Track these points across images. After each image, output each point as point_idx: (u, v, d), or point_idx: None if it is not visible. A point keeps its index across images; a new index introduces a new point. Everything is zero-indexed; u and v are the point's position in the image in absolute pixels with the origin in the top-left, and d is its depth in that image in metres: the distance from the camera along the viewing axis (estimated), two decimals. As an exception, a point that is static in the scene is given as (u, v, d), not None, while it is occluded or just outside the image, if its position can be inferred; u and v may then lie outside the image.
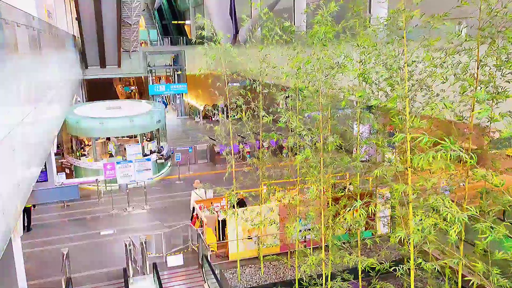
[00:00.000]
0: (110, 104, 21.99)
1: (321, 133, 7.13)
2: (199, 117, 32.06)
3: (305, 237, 12.04)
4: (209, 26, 10.64)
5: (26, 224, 14.17)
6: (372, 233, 12.60)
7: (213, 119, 32.83)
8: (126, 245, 11.10)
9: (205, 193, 14.02)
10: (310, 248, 9.94)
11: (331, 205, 8.64)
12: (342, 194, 10.10)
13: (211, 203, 13.57)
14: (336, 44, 7.58)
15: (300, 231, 9.70)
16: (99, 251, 12.73)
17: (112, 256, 12.42)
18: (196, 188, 14.07)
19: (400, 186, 5.37)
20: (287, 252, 11.37)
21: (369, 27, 7.69)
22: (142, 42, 37.03)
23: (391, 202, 5.75)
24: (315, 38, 7.07)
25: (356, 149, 9.43)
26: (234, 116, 10.20)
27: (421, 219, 5.16)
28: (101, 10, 24.53)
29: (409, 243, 5.63)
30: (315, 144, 7.86)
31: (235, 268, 11.58)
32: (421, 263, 5.73)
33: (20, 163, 8.04)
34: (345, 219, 8.43)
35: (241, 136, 24.46)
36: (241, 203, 12.28)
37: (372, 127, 9.26)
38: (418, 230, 5.17)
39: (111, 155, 18.89)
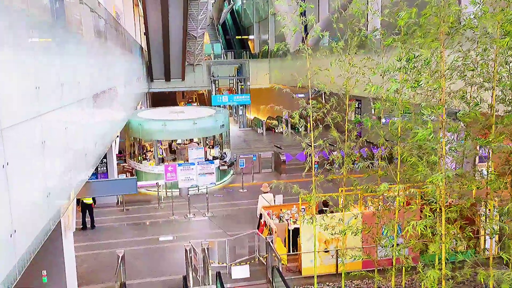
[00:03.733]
0: (173, 109, 21.39)
1: (443, 103, 5.41)
2: (262, 129, 30.88)
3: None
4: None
5: (91, 222, 13.62)
6: (474, 253, 10.44)
7: (276, 131, 31.56)
8: (186, 251, 9.82)
9: (274, 199, 12.54)
10: (406, 263, 8.02)
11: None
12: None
13: (281, 210, 12.04)
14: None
15: (397, 244, 7.87)
16: (157, 258, 11.57)
17: (171, 264, 11.21)
18: (264, 193, 12.62)
19: None
20: (373, 269, 9.46)
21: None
22: (206, 58, 37.04)
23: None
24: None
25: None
26: (300, 127, 8.77)
27: None
28: (168, 23, 24.48)
29: None
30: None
31: (309, 285, 9.88)
32: None
33: (73, 146, 7.08)
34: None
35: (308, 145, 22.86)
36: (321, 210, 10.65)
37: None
38: None
39: (162, 160, 18.11)
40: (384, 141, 7.54)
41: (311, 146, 8.49)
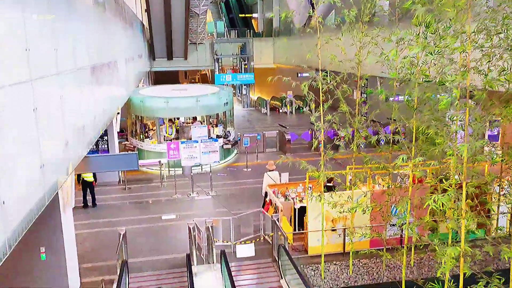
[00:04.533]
0: (175, 87, 20.94)
1: (468, 68, 4.97)
2: (266, 109, 30.38)
3: (401, 231, 9.84)
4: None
5: (92, 200, 13.36)
6: (485, 232, 10.15)
7: (280, 111, 31.10)
8: (190, 229, 9.53)
9: (280, 177, 12.19)
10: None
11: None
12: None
13: (286, 188, 11.71)
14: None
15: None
16: (160, 236, 11.30)
17: (173, 242, 10.96)
18: (269, 170, 12.27)
19: None
20: (381, 248, 9.11)
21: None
22: (209, 37, 36.33)
23: None
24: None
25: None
26: (309, 100, 8.29)
27: None
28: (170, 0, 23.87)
29: None
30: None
31: (316, 264, 9.61)
32: None
33: (70, 117, 6.70)
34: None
35: (311, 123, 22.44)
36: (330, 188, 10.33)
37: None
38: None
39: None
40: (399, 115, 7.12)
41: (320, 121, 8.09)
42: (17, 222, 4.18)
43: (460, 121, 5.72)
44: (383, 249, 8.85)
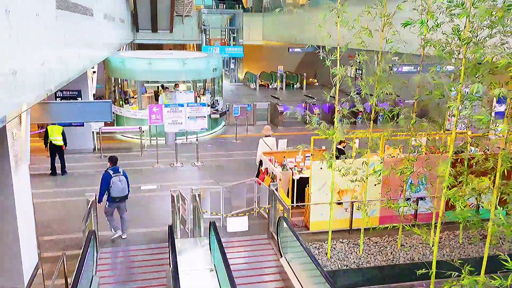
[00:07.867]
0: (160, 52, 19.22)
1: None
2: (255, 84, 28.83)
3: (417, 204, 8.61)
4: None
5: (61, 167, 11.82)
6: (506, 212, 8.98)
7: (270, 86, 29.64)
8: (173, 198, 8.10)
9: (276, 144, 10.80)
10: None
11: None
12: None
13: (284, 157, 10.33)
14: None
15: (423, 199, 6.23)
16: (138, 208, 9.79)
17: (153, 214, 9.55)
18: (265, 136, 10.84)
19: None
20: (392, 226, 7.71)
21: None
22: (197, 8, 34.41)
23: None
24: None
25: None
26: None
27: None
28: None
29: None
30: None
31: (319, 242, 8.31)
32: None
33: (22, 41, 5.16)
34: None
35: (310, 96, 21.07)
36: (340, 151, 9.05)
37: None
38: None
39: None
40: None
41: (336, 66, 6.68)
42: None
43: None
44: (397, 226, 7.60)
